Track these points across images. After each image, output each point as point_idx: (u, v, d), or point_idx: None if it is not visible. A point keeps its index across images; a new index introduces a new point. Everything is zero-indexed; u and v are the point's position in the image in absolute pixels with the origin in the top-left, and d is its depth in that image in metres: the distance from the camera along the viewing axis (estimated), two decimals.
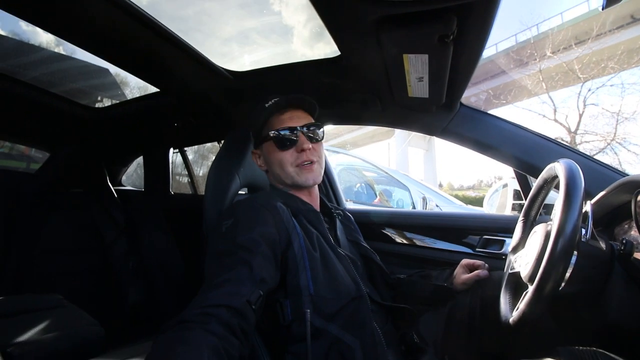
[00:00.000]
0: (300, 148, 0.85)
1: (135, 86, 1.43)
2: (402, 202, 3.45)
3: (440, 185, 21.54)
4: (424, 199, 3.31)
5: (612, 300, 0.63)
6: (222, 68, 1.03)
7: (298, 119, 0.88)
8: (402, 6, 0.55)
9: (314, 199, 0.94)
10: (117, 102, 1.44)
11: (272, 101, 0.86)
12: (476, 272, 0.91)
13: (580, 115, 10.26)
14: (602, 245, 0.66)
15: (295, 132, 0.86)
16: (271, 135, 0.86)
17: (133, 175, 2.08)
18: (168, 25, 0.85)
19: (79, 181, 1.45)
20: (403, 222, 1.38)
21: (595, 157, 0.99)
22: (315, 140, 0.89)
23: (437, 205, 3.33)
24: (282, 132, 0.85)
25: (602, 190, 0.73)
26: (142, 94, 1.34)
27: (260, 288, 0.65)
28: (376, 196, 3.92)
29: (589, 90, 10.06)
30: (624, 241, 0.62)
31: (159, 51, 0.87)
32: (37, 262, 1.31)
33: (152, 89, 1.26)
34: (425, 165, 18.27)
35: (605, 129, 9.92)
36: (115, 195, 1.50)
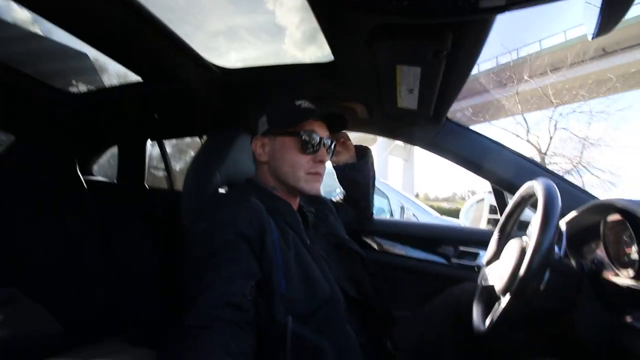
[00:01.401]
0: (319, 158, 0.86)
1: (114, 74, 1.36)
2: (381, 210, 3.48)
3: (417, 195, 22.02)
4: (402, 208, 3.36)
5: (580, 316, 0.65)
6: (210, 62, 1.00)
7: (325, 132, 0.89)
8: (399, 16, 0.56)
9: (296, 203, 0.93)
10: (94, 88, 1.36)
11: (315, 106, 0.88)
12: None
13: (551, 138, 10.95)
14: (573, 263, 0.69)
15: (321, 142, 0.86)
16: (300, 134, 0.84)
17: (105, 165, 1.98)
18: (156, 13, 0.81)
19: (46, 168, 1.36)
20: (379, 229, 1.38)
21: None
22: (329, 156, 0.91)
23: (414, 215, 3.39)
24: (312, 136, 0.85)
25: (570, 209, 0.77)
26: (121, 82, 1.27)
27: (250, 280, 0.66)
28: None
29: (560, 115, 10.78)
30: (595, 261, 0.65)
31: (144, 37, 0.83)
32: None
33: (132, 79, 1.20)
34: (404, 174, 18.64)
35: (573, 152, 10.70)
36: (85, 186, 1.42)
